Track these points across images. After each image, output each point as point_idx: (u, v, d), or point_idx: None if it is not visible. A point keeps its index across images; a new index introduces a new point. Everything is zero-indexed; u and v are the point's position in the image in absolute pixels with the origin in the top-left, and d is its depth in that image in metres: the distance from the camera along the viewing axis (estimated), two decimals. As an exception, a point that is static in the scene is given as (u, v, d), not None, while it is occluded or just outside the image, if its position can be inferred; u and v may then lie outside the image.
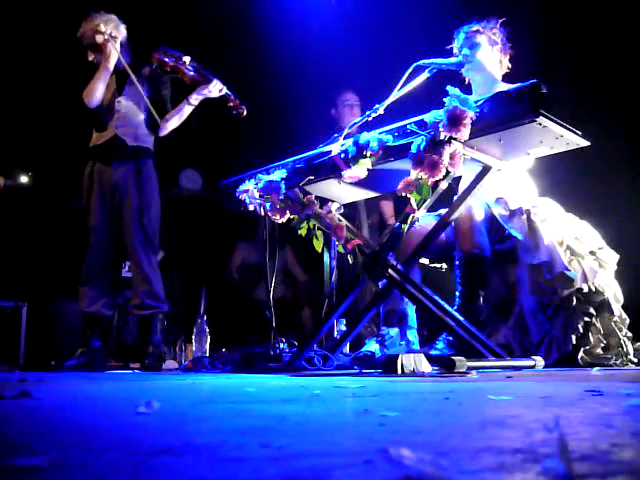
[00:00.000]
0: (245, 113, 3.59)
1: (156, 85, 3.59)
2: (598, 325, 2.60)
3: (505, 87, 2.47)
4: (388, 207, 4.30)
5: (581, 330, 2.54)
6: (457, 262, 2.72)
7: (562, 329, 2.56)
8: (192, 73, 3.49)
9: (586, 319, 2.57)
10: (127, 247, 3.46)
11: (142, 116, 3.54)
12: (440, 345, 2.55)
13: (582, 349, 2.53)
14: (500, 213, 2.74)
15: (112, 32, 3.49)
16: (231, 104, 3.57)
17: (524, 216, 2.70)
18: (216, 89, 3.50)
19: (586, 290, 2.57)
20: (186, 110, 3.56)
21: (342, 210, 2.66)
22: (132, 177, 3.46)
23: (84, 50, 3.55)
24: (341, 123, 3.98)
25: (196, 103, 3.54)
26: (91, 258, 3.45)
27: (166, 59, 3.46)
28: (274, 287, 2.98)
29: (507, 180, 2.83)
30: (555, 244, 2.61)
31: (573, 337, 2.53)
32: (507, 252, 2.75)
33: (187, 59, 3.48)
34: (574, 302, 2.57)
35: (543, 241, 2.61)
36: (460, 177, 2.76)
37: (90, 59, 3.55)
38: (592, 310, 2.58)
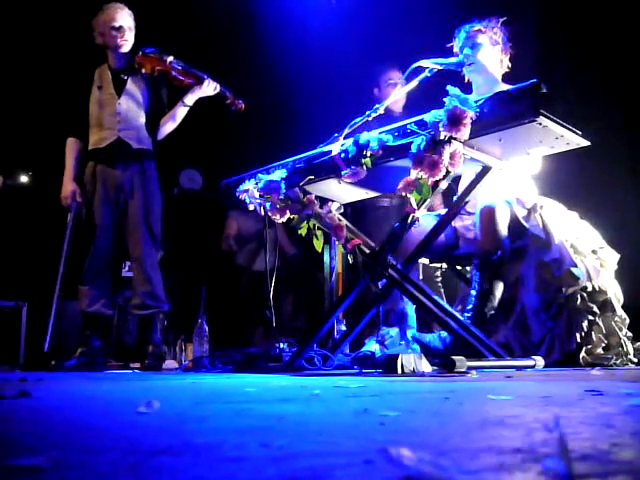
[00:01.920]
0: (243, 107, 3.54)
1: (154, 86, 3.58)
2: (601, 324, 2.59)
3: (506, 88, 2.47)
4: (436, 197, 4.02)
5: (585, 329, 2.54)
6: (475, 261, 2.71)
7: (566, 328, 2.56)
8: (181, 77, 3.46)
9: (590, 318, 2.56)
10: (131, 247, 3.45)
11: (143, 118, 3.54)
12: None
13: (584, 348, 2.53)
14: (521, 213, 2.74)
15: (131, 25, 3.53)
16: (228, 101, 3.54)
17: (538, 214, 2.71)
18: (210, 88, 3.47)
19: (590, 289, 2.57)
20: (181, 112, 3.53)
21: (342, 210, 2.66)
22: (137, 177, 3.47)
23: (91, 33, 3.54)
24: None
25: (191, 104, 3.51)
26: (93, 258, 3.45)
27: (151, 62, 3.45)
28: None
29: (513, 180, 2.83)
30: (563, 241, 2.62)
31: (577, 335, 2.53)
32: (514, 251, 2.75)
33: (170, 58, 3.45)
34: (578, 301, 2.57)
35: (554, 238, 2.62)
36: (460, 177, 2.76)
37: (97, 42, 3.55)
38: (596, 309, 2.58)
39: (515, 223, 2.72)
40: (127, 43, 3.51)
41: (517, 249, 2.74)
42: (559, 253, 2.58)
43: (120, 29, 3.48)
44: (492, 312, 2.73)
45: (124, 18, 3.52)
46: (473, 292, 2.70)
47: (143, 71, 3.47)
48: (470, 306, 2.65)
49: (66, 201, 3.55)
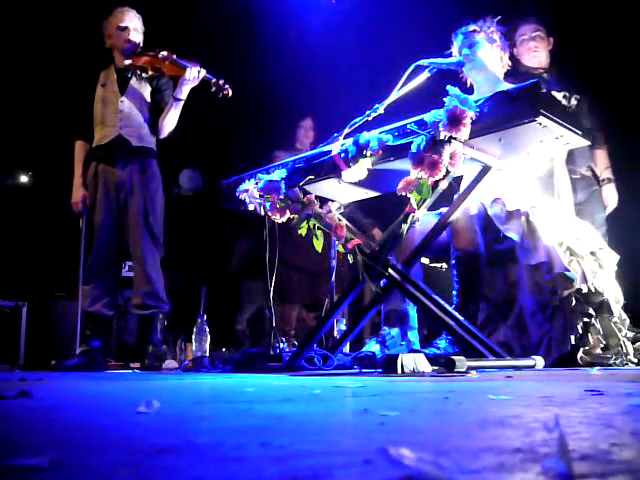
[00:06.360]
0: (230, 93, 3.46)
1: (158, 85, 3.58)
2: (597, 326, 2.59)
3: (507, 86, 2.47)
4: (602, 157, 3.67)
5: (580, 331, 2.54)
6: (453, 261, 2.72)
7: (561, 329, 2.56)
8: (175, 70, 3.44)
9: (585, 320, 2.56)
10: (131, 246, 3.45)
11: (145, 117, 3.53)
12: (443, 344, 2.54)
13: (581, 349, 2.53)
14: (495, 213, 2.73)
15: (137, 26, 3.56)
16: (213, 88, 3.47)
17: (523, 218, 2.70)
18: (194, 73, 3.40)
19: (585, 291, 2.57)
20: (176, 107, 3.50)
21: (342, 210, 2.66)
22: (137, 176, 3.46)
23: (100, 36, 3.58)
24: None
25: (184, 97, 3.46)
26: (94, 257, 3.45)
27: (145, 58, 3.46)
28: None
29: (507, 180, 2.82)
30: (554, 245, 2.60)
31: (572, 337, 2.53)
32: (506, 252, 2.75)
33: (163, 53, 3.44)
34: (573, 303, 2.57)
35: (542, 242, 2.60)
36: (461, 177, 2.75)
37: (107, 45, 3.60)
38: (591, 311, 2.58)
39: (492, 224, 2.72)
40: (131, 42, 3.52)
41: (506, 250, 2.74)
42: (547, 257, 2.57)
43: (125, 29, 3.53)
44: (486, 312, 2.72)
45: (130, 19, 3.57)
46: (454, 292, 2.69)
47: (138, 66, 3.47)
48: (453, 306, 2.65)
49: (77, 207, 3.56)
